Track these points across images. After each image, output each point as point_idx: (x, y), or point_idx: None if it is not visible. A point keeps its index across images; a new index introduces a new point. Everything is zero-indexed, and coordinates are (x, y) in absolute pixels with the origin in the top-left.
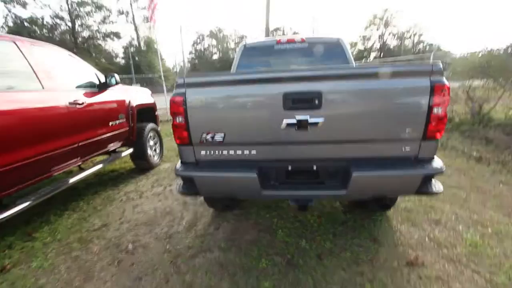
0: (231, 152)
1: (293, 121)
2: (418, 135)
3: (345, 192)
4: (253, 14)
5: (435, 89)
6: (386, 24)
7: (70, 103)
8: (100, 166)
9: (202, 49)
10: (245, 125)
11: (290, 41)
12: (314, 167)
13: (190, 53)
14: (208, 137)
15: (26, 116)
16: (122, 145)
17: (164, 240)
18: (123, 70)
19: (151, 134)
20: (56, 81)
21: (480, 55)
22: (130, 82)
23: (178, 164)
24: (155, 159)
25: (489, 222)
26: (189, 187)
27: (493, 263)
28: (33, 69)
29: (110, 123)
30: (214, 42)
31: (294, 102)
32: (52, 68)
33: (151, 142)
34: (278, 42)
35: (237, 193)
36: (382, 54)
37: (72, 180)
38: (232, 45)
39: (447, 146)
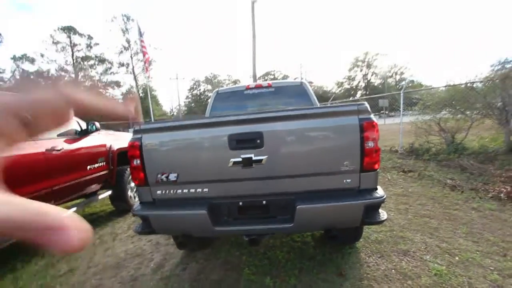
0: (185, 190)
1: (239, 159)
2: (356, 168)
3: (292, 225)
4: (246, 60)
5: (364, 126)
6: (368, 66)
7: (47, 150)
8: (73, 209)
9: (198, 94)
10: (196, 164)
11: (258, 87)
12: (264, 202)
13: (186, 98)
14: (163, 177)
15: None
16: (102, 188)
17: (128, 283)
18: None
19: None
20: None
21: (444, 89)
22: (127, 126)
23: (136, 204)
24: (136, 200)
25: (457, 250)
26: (145, 226)
27: None
28: None
29: (88, 167)
30: (209, 87)
31: (238, 142)
32: None
33: (132, 184)
34: (248, 88)
35: (190, 230)
36: (367, 92)
37: None
38: None
39: (424, 175)
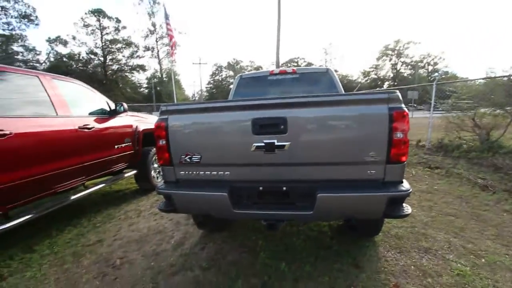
0: (207, 172)
1: (262, 144)
2: (381, 159)
3: (311, 212)
4: (269, 47)
5: (394, 115)
6: (399, 55)
7: (79, 127)
8: (102, 185)
9: (220, 79)
10: (219, 147)
11: (282, 72)
12: (284, 188)
13: (208, 83)
14: (187, 158)
15: (39, 138)
16: (128, 167)
17: (150, 257)
18: (146, 99)
19: (156, 157)
20: (70, 108)
21: (483, 82)
22: (151, 110)
23: (161, 183)
24: (159, 180)
25: (484, 252)
26: (168, 204)
27: None
28: (50, 99)
29: (116, 146)
30: (231, 73)
31: (262, 127)
32: (68, 98)
33: (156, 165)
34: (271, 73)
35: (211, 211)
36: (396, 82)
37: (73, 197)
38: None
39: (452, 173)
